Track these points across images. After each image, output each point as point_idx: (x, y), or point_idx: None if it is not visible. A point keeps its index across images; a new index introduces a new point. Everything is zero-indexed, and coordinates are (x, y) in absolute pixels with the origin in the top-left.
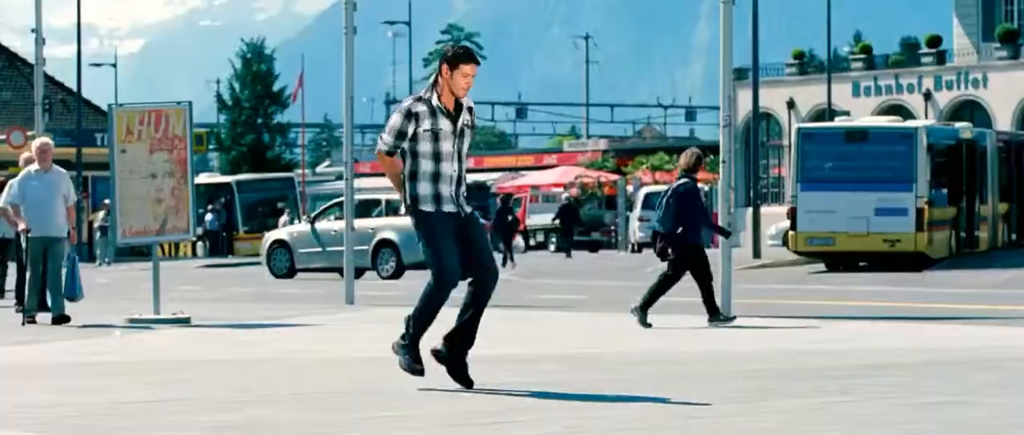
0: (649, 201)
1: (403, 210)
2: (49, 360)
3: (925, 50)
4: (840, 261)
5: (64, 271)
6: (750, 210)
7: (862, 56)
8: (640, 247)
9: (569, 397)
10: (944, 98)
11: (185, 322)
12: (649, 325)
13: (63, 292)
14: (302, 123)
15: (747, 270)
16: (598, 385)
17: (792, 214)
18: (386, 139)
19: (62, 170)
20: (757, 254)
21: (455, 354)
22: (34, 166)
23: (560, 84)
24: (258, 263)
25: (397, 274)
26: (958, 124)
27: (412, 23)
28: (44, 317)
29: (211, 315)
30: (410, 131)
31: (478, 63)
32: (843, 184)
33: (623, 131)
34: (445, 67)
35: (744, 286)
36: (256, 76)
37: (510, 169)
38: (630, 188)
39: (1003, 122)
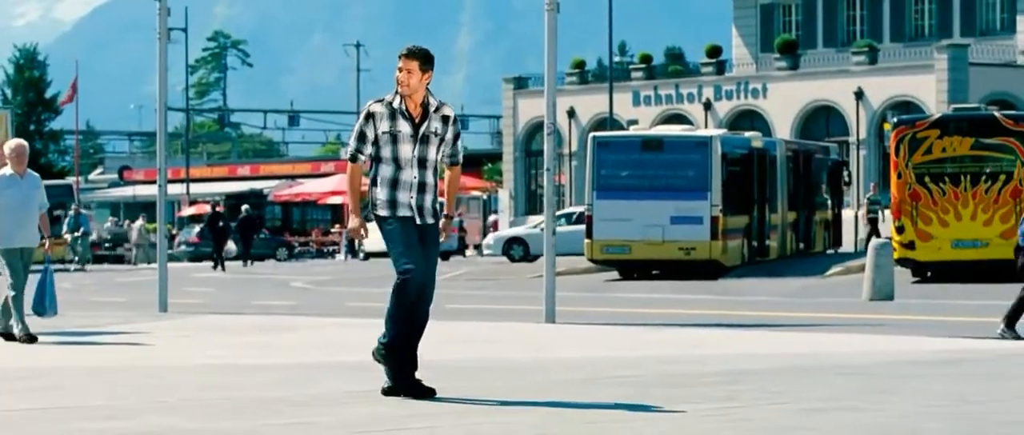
0: None
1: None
2: None
3: (705, 60)
4: (634, 269)
5: (37, 284)
6: (530, 219)
7: (642, 66)
8: (368, 255)
9: (459, 401)
10: (724, 108)
11: None
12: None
13: (35, 307)
14: (76, 130)
15: (540, 278)
16: (483, 391)
17: (588, 222)
18: (350, 144)
19: (36, 174)
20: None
21: (405, 379)
22: (7, 169)
23: (325, 91)
24: (40, 271)
25: None
26: (749, 134)
27: (171, 29)
28: None
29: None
30: (371, 134)
31: (416, 59)
32: (638, 192)
33: None
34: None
35: (535, 293)
36: (29, 82)
37: (287, 177)
38: None
39: (782, 132)
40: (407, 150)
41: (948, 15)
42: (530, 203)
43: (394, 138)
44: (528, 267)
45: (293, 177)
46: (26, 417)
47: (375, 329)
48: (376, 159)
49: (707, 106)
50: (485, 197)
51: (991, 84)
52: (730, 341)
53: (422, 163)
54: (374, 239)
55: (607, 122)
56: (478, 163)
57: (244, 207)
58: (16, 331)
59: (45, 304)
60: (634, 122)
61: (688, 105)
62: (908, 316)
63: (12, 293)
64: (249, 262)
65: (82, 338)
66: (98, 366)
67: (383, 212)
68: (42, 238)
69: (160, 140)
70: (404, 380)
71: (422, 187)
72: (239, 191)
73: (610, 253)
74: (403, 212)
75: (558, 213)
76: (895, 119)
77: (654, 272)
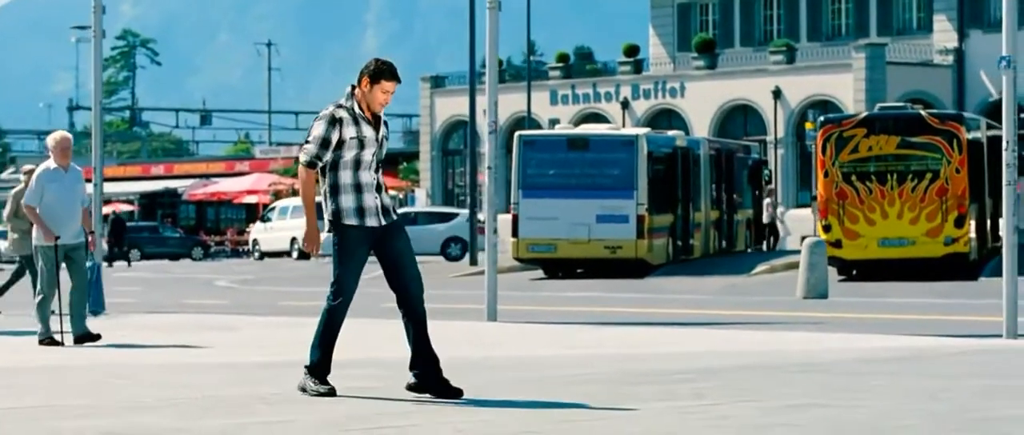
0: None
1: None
2: None
3: (623, 59)
4: (559, 268)
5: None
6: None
7: (560, 65)
8: (264, 255)
9: (431, 402)
10: (641, 107)
11: None
12: None
13: (89, 307)
14: None
15: (466, 277)
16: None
17: (514, 221)
18: (309, 149)
19: (78, 168)
20: (474, 261)
21: (429, 377)
22: (50, 163)
23: (231, 91)
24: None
25: None
26: (673, 132)
27: (83, 28)
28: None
29: None
30: (335, 139)
31: (399, 81)
32: (565, 191)
33: (301, 138)
34: (366, 80)
35: (475, 292)
36: None
37: (201, 176)
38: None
39: (700, 131)
40: (369, 154)
41: (865, 14)
42: (447, 202)
43: (361, 143)
44: (451, 266)
45: (207, 176)
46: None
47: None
48: (333, 166)
49: (625, 105)
50: (401, 196)
51: (908, 83)
52: (679, 339)
53: (378, 167)
54: (269, 239)
55: (525, 121)
56: (394, 162)
57: (113, 209)
58: (38, 333)
59: (100, 302)
60: (556, 121)
61: (606, 104)
62: (847, 314)
63: (49, 295)
64: (127, 262)
65: (28, 338)
66: (59, 365)
67: (351, 221)
68: (87, 234)
69: (96, 139)
70: (430, 380)
71: (379, 188)
72: (153, 190)
73: (536, 252)
74: (370, 221)
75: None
76: (821, 118)
77: (579, 271)
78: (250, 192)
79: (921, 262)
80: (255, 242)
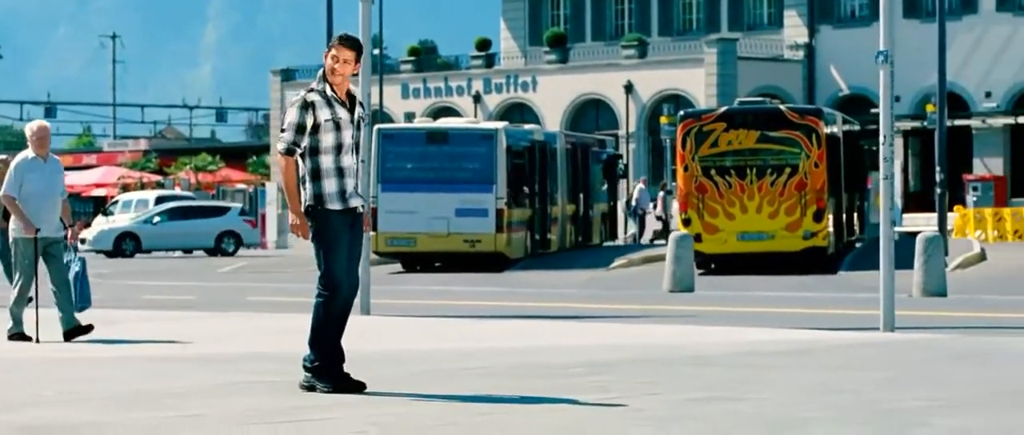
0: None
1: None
2: None
3: (475, 53)
4: (417, 261)
5: (72, 275)
6: None
7: (412, 58)
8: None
9: (347, 395)
10: (493, 101)
11: None
12: None
13: (75, 302)
14: None
15: None
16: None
17: (373, 214)
18: (285, 137)
19: (57, 158)
20: None
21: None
22: (28, 152)
23: (71, 84)
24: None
25: None
26: (529, 126)
27: None
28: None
29: None
30: (309, 123)
31: (353, 49)
32: (424, 185)
33: (145, 131)
34: (326, 54)
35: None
36: None
37: None
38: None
39: (552, 125)
40: (347, 136)
41: (716, 9)
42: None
43: (337, 125)
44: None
45: None
46: None
47: (188, 321)
48: (312, 151)
49: (477, 99)
50: (251, 191)
51: (759, 78)
52: (563, 333)
53: (356, 149)
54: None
55: (378, 115)
56: (243, 156)
57: None
58: (8, 329)
59: (86, 297)
60: (412, 115)
61: (457, 98)
62: (718, 307)
63: (25, 290)
64: None
65: None
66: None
67: (334, 205)
68: (65, 227)
69: None
70: (337, 375)
71: (357, 172)
72: None
73: (395, 246)
74: (353, 201)
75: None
76: (681, 112)
77: (437, 264)
78: (98, 185)
79: (780, 256)
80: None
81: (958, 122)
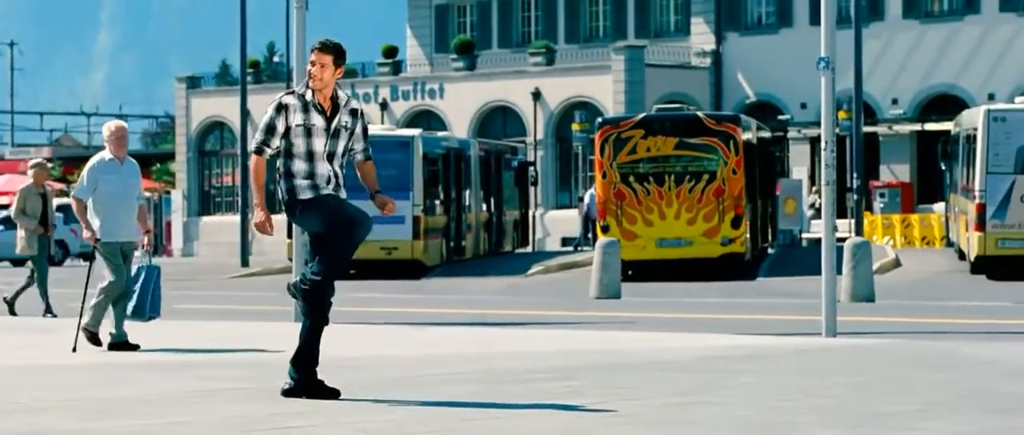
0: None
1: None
2: None
3: (381, 60)
4: None
5: (139, 284)
6: (204, 219)
7: None
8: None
9: (325, 401)
10: (400, 108)
11: None
12: None
13: (136, 312)
14: None
15: (238, 278)
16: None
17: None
18: (256, 136)
19: (135, 161)
20: (245, 263)
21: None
22: (106, 154)
23: None
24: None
25: None
26: (442, 133)
27: None
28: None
29: None
30: (281, 126)
31: (330, 53)
32: None
33: (43, 139)
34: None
35: (251, 293)
36: None
37: None
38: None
39: (459, 132)
40: (319, 144)
41: (623, 16)
42: (204, 204)
43: (308, 131)
44: (231, 267)
45: None
46: None
47: (134, 327)
48: (287, 153)
49: (384, 106)
50: (156, 199)
51: (667, 85)
52: (513, 339)
53: (331, 158)
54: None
55: None
56: (146, 164)
57: None
58: (111, 331)
59: (147, 307)
60: None
61: (364, 105)
62: (651, 313)
63: (114, 292)
64: None
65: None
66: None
67: (306, 195)
68: (143, 233)
69: None
70: (311, 382)
71: (338, 184)
72: None
73: None
74: (326, 189)
75: None
76: (599, 119)
77: (352, 272)
78: (2, 193)
79: (698, 262)
80: None
81: (866, 129)
